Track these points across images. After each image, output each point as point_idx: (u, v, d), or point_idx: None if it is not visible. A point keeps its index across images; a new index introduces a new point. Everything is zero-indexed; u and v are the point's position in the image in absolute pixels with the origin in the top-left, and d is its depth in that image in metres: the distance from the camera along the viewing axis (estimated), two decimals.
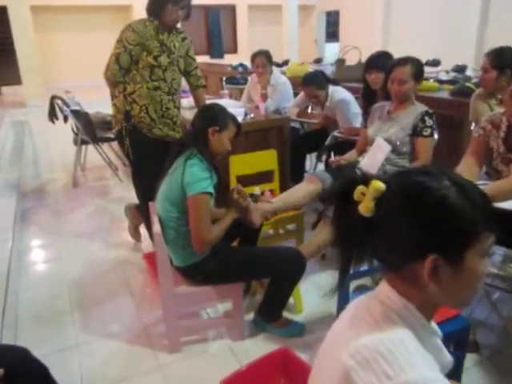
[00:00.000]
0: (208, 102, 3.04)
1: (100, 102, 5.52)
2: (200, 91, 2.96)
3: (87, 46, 12.36)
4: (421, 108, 2.51)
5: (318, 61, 10.40)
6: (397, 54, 2.94)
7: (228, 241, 2.13)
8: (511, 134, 1.96)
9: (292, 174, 3.38)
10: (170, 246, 1.95)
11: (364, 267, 0.94)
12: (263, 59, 3.79)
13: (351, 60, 5.26)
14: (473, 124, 2.95)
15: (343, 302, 1.84)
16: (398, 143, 2.48)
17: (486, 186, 1.83)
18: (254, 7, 14.56)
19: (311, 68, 5.93)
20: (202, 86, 2.94)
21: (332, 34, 15.06)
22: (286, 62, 8.21)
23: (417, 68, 2.46)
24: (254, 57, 3.84)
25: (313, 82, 3.45)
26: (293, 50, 11.37)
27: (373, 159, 2.48)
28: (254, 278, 2.19)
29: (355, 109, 3.45)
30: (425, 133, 2.44)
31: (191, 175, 1.83)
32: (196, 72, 2.87)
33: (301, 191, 2.43)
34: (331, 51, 13.65)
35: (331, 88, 3.47)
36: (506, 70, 2.55)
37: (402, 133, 2.49)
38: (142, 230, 3.14)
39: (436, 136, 2.48)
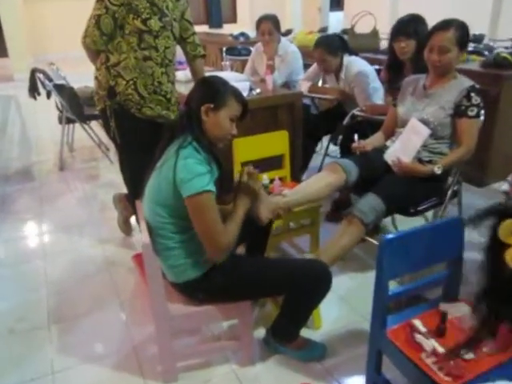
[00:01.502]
0: (207, 74, 2.62)
1: (90, 75, 5.04)
2: (198, 62, 2.51)
3: (77, 15, 11.64)
4: (466, 82, 2.08)
5: (323, 30, 9.80)
6: None
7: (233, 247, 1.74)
8: None
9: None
10: (162, 259, 1.57)
11: None
12: (270, 25, 3.31)
13: (359, 29, 4.75)
14: None
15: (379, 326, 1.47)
16: (436, 125, 2.06)
17: None
18: None
19: None
20: (201, 56, 2.50)
21: (336, 3, 14.36)
22: (288, 32, 7.69)
23: (462, 33, 2.01)
24: (259, 22, 3.36)
25: (323, 44, 2.97)
26: (297, 18, 10.76)
27: (406, 145, 2.07)
28: (269, 295, 1.80)
29: (375, 82, 3.01)
30: (470, 113, 2.02)
31: (185, 170, 1.43)
32: (194, 39, 2.42)
33: (320, 182, 2.02)
34: (336, 20, 13.02)
35: (347, 58, 3.01)
36: None
37: (441, 112, 2.07)
38: (135, 222, 2.76)
39: (482, 117, 2.07)
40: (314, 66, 3.28)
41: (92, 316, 2.11)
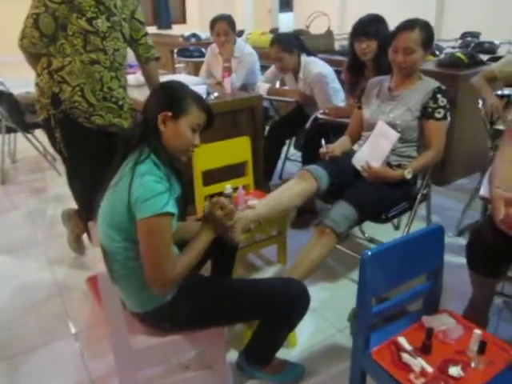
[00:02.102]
0: (161, 77, 2.45)
1: (33, 80, 4.70)
2: (152, 65, 2.33)
3: (17, 14, 11.02)
4: (432, 83, 2.03)
5: (274, 31, 9.80)
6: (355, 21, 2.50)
7: (197, 266, 1.59)
8: None
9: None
10: (120, 287, 1.39)
11: None
12: (226, 26, 3.17)
13: (311, 29, 4.71)
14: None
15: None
16: (404, 128, 2.00)
17: None
18: None
19: None
20: (155, 59, 2.32)
21: (285, 4, 14.41)
22: (241, 33, 7.59)
23: (426, 33, 1.97)
24: (213, 23, 3.21)
25: (278, 41, 2.90)
26: (248, 19, 10.66)
27: (375, 149, 1.99)
28: (242, 321, 1.65)
29: (335, 83, 2.95)
30: (438, 115, 1.98)
31: (142, 189, 1.26)
32: (146, 40, 2.24)
33: (291, 191, 1.91)
34: (286, 21, 13.06)
35: (305, 58, 2.94)
36: None
37: (408, 115, 2.01)
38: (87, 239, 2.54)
39: (449, 118, 2.03)
40: (273, 67, 3.18)
41: (43, 349, 1.90)
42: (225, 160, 2.37)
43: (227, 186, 2.23)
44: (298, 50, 2.93)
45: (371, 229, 2.60)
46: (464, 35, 6.39)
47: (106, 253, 1.35)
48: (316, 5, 9.00)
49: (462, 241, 2.55)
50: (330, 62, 3.27)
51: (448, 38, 6.29)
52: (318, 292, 2.19)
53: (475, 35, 6.25)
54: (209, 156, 2.31)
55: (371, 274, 1.31)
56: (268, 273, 2.38)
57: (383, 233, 2.50)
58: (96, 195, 1.42)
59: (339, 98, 2.94)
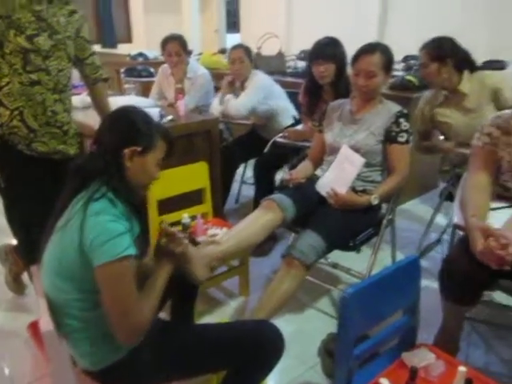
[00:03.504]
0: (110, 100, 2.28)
1: None
2: (100, 86, 2.16)
3: None
4: (393, 107, 2.01)
5: (223, 51, 9.81)
6: (301, 43, 2.51)
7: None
8: None
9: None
10: (71, 343, 1.21)
11: None
12: (178, 46, 3.05)
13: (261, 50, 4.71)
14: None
15: None
16: (367, 152, 1.96)
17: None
18: None
19: (224, 59, 5.30)
20: (103, 79, 2.15)
21: (232, 25, 14.55)
22: (189, 53, 7.52)
23: (387, 57, 1.96)
24: (165, 43, 3.08)
25: (244, 46, 2.99)
26: (195, 39, 10.62)
27: (340, 175, 1.93)
28: (211, 371, 1.49)
29: (279, 100, 3.03)
30: (401, 138, 1.96)
31: (98, 230, 1.10)
32: (93, 60, 2.07)
33: (256, 224, 1.79)
34: (233, 42, 13.16)
35: (255, 71, 2.97)
36: (446, 60, 2.23)
37: (372, 139, 1.98)
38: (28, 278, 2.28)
39: (411, 142, 2.01)
40: (222, 89, 3.10)
41: None
42: (181, 187, 2.23)
43: (184, 215, 2.09)
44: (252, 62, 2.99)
45: (333, 253, 2.53)
46: (406, 58, 6.65)
47: (54, 306, 1.17)
48: (263, 26, 9.10)
49: (424, 263, 2.54)
50: (283, 84, 3.25)
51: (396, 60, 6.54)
52: (282, 326, 2.00)
53: (417, 58, 6.52)
54: (164, 184, 2.13)
55: (352, 313, 1.22)
56: (231, 307, 2.24)
57: (346, 257, 2.43)
58: (38, 232, 1.24)
59: (288, 117, 2.97)
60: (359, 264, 2.30)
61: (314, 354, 1.90)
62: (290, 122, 3.00)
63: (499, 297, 2.26)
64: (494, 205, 1.55)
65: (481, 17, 6.20)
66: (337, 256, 2.50)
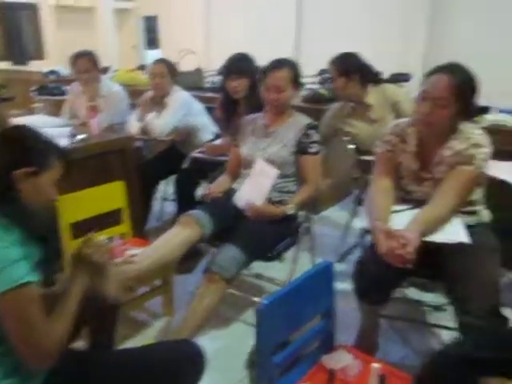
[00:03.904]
0: (15, 119, 2.15)
1: None
2: (1, 106, 2.03)
3: None
4: (303, 119, 2.10)
5: (141, 68, 9.66)
6: (221, 58, 2.60)
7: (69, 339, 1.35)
8: (422, 146, 1.66)
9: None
10: None
11: None
12: (87, 62, 2.96)
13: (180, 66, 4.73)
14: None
15: None
16: (281, 164, 2.02)
17: (412, 221, 1.48)
18: (61, 8, 12.87)
19: (142, 75, 5.22)
20: (5, 99, 2.03)
21: (152, 41, 14.38)
22: (106, 69, 7.31)
23: (295, 72, 2.04)
24: (74, 59, 2.97)
25: (166, 62, 2.99)
26: (112, 56, 10.38)
27: (256, 187, 1.97)
28: None
29: (200, 117, 3.05)
30: (311, 149, 2.04)
31: None
32: None
33: (173, 241, 1.77)
34: (153, 58, 12.99)
35: (176, 87, 2.96)
36: (352, 74, 2.40)
37: (284, 151, 2.04)
38: None
39: (322, 152, 2.10)
40: (141, 106, 3.06)
41: None
42: (96, 208, 2.14)
43: (101, 237, 2.00)
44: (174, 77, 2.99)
45: (257, 264, 2.56)
46: (321, 72, 6.97)
47: None
48: (182, 42, 9.13)
49: (344, 266, 2.64)
50: (201, 99, 3.27)
51: (308, 74, 6.81)
52: (208, 342, 2.02)
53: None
54: (77, 205, 2.07)
55: (269, 324, 1.24)
56: (155, 328, 2.18)
57: (269, 266, 2.47)
58: None
59: (208, 133, 3.01)
60: (283, 273, 2.34)
61: (241, 368, 1.89)
62: (210, 137, 3.01)
63: (412, 293, 2.42)
64: (398, 208, 1.65)
65: (389, 32, 6.64)
66: (260, 266, 2.54)
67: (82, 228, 2.11)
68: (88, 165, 2.32)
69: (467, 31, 5.64)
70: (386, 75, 4.05)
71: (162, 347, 1.40)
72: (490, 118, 2.71)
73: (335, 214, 3.53)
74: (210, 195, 1.97)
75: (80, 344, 1.54)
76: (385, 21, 6.75)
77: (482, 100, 2.90)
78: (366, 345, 1.84)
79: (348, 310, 1.81)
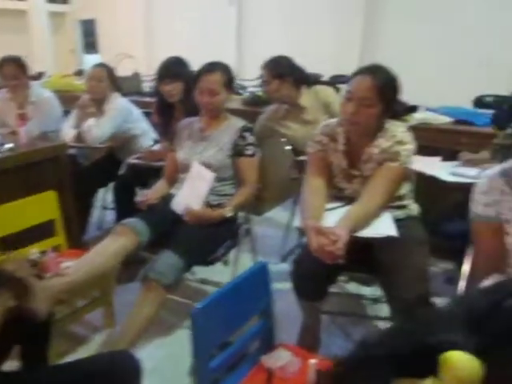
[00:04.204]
0: None
1: None
2: None
3: None
4: (238, 122, 2.11)
5: (79, 73, 9.35)
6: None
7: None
8: (351, 145, 1.71)
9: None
10: None
11: None
12: (14, 68, 2.82)
13: (120, 72, 4.62)
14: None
15: None
16: (218, 167, 2.02)
17: (342, 217, 1.53)
18: None
19: (77, 80, 5.06)
20: None
21: (91, 45, 13.95)
22: (40, 75, 7.00)
23: (227, 75, 2.06)
24: (0, 66, 2.83)
25: (105, 65, 2.93)
26: (47, 61, 9.97)
27: (193, 191, 1.96)
28: None
29: (139, 123, 2.99)
30: (247, 152, 2.06)
31: None
32: None
33: (108, 251, 1.73)
34: (92, 63, 12.60)
35: (114, 94, 2.88)
36: (285, 77, 2.45)
37: (221, 154, 2.05)
38: None
39: (259, 154, 2.12)
40: (76, 111, 2.95)
41: None
42: (26, 221, 2.04)
43: (32, 251, 1.91)
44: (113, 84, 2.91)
45: (202, 269, 2.54)
46: (261, 75, 7.04)
47: None
48: (122, 47, 8.93)
49: (286, 266, 2.68)
50: (140, 104, 3.21)
51: (250, 77, 6.87)
52: (153, 351, 2.01)
53: None
54: (6, 218, 1.97)
55: (204, 328, 1.23)
56: (96, 342, 2.11)
57: (214, 271, 2.46)
58: None
59: (149, 139, 2.94)
60: (228, 276, 2.34)
61: (185, 375, 1.87)
62: (151, 143, 2.96)
63: (352, 288, 2.49)
64: (330, 205, 1.70)
65: (327, 35, 6.79)
66: (205, 271, 2.52)
67: (13, 242, 2.01)
68: (17, 175, 2.21)
69: (400, 32, 5.88)
70: (326, 77, 4.16)
71: (95, 360, 1.36)
72: (418, 117, 2.84)
73: (278, 214, 3.58)
74: (145, 202, 1.94)
75: (12, 364, 1.46)
76: (322, 24, 6.93)
77: (411, 99, 3.08)
78: (309, 341, 1.88)
79: (291, 308, 1.84)
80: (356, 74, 1.61)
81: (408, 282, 1.47)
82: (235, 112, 3.19)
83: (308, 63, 2.72)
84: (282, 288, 2.25)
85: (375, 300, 2.34)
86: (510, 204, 1.35)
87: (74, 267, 1.62)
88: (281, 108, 2.59)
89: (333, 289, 2.48)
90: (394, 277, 1.50)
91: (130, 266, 2.62)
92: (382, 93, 1.56)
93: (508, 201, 1.35)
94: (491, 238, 1.38)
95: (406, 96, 3.21)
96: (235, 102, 3.70)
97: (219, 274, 2.41)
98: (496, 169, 1.40)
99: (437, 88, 4.18)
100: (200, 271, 2.58)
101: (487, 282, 1.30)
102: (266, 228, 3.27)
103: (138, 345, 1.93)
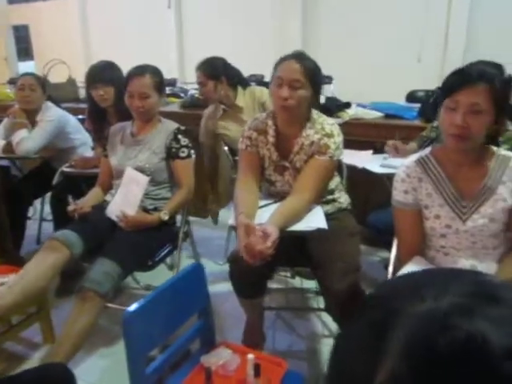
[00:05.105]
0: None
1: None
2: None
3: None
4: (171, 125, 2.10)
5: (13, 81, 8.93)
6: None
7: None
8: (279, 136, 1.75)
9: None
10: None
11: None
12: None
13: (55, 78, 4.46)
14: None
15: None
16: (152, 171, 2.00)
17: (273, 214, 1.55)
18: None
19: (9, 89, 4.84)
20: None
21: (25, 52, 13.37)
22: None
23: (157, 77, 2.04)
24: None
25: (35, 75, 2.82)
26: None
27: (128, 197, 1.92)
28: None
29: (79, 134, 2.86)
30: (182, 154, 2.05)
31: None
32: None
33: (39, 268, 1.66)
34: (27, 70, 12.07)
35: (47, 102, 2.78)
36: (221, 77, 2.49)
37: (154, 157, 2.03)
38: None
39: (194, 156, 2.12)
40: (6, 121, 2.83)
41: None
42: None
43: None
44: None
45: (146, 275, 2.51)
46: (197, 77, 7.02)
47: None
48: (57, 53, 8.59)
49: None
50: (76, 111, 3.12)
51: (191, 81, 6.83)
52: (95, 362, 1.96)
53: None
54: None
55: (138, 331, 1.22)
56: (35, 358, 2.02)
57: (158, 276, 2.43)
58: None
59: (86, 148, 2.85)
60: None
61: None
62: (89, 152, 2.88)
63: (297, 282, 2.55)
64: (263, 202, 1.72)
65: (267, 37, 6.87)
66: (149, 277, 2.49)
67: None
68: None
69: (337, 33, 6.05)
70: (268, 79, 4.19)
71: (28, 375, 1.31)
72: (351, 113, 2.94)
73: (223, 215, 3.59)
74: (76, 212, 1.89)
75: None
76: (262, 27, 7.02)
77: (349, 97, 3.19)
78: (253, 338, 1.90)
79: (238, 308, 1.85)
80: (282, 60, 1.65)
81: (337, 273, 1.50)
82: (174, 115, 3.20)
83: (251, 65, 2.76)
84: (229, 289, 2.26)
85: (317, 292, 2.40)
86: (428, 190, 1.43)
87: (2, 290, 1.54)
88: (218, 109, 2.60)
89: (277, 285, 2.55)
90: (324, 269, 1.55)
91: (71, 278, 2.55)
92: (310, 75, 1.61)
93: (425, 187, 1.43)
94: (411, 223, 1.46)
95: (345, 95, 3.34)
96: (174, 106, 3.68)
97: (164, 279, 2.39)
98: (413, 157, 1.48)
99: (375, 85, 4.35)
100: (144, 278, 2.54)
101: (409, 265, 1.38)
102: (212, 230, 3.27)
103: (78, 357, 1.89)
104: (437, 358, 0.33)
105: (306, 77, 1.60)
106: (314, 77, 1.63)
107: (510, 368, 0.31)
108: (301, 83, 1.59)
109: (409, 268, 1.35)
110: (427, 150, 1.48)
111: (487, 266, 1.39)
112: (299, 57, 1.63)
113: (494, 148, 1.40)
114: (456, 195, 1.39)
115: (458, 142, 1.30)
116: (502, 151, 1.40)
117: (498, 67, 1.30)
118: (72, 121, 2.90)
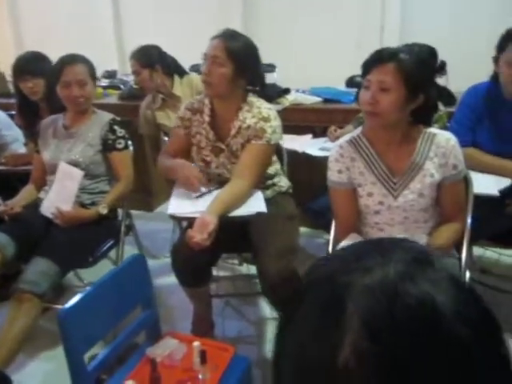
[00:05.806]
0: None
1: None
2: None
3: None
4: (106, 116, 2.04)
5: None
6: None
7: None
8: (216, 117, 1.75)
9: None
10: None
11: None
12: None
13: None
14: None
15: None
16: (88, 164, 1.94)
17: (213, 202, 1.55)
18: None
19: None
20: None
21: None
22: None
23: (90, 65, 1.98)
24: None
25: None
26: None
27: (62, 193, 1.85)
28: None
29: (11, 131, 2.69)
30: (119, 145, 2.00)
31: None
32: None
33: None
34: None
35: None
36: (156, 66, 2.45)
37: (89, 150, 1.96)
38: None
39: (131, 147, 2.07)
40: None
41: None
42: None
43: None
44: None
45: (90, 272, 2.43)
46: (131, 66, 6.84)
47: None
48: None
49: None
50: (7, 106, 2.94)
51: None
52: (38, 366, 1.89)
53: None
54: None
55: (75, 329, 1.18)
56: None
57: (103, 272, 2.35)
58: None
59: (20, 146, 2.69)
60: None
61: None
62: (22, 148, 2.73)
63: (244, 269, 2.56)
64: (202, 190, 1.70)
65: (209, 27, 6.78)
66: (93, 273, 2.41)
67: None
68: None
69: (279, 20, 6.07)
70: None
71: None
72: (290, 99, 2.97)
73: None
74: (7, 212, 1.79)
75: None
76: (204, 17, 6.92)
77: (291, 84, 3.22)
78: (202, 327, 1.90)
79: (184, 298, 1.84)
80: (211, 38, 1.66)
81: (272, 255, 1.52)
82: (111, 107, 3.09)
83: (194, 54, 2.70)
84: (175, 281, 2.23)
85: None
86: (360, 169, 1.48)
87: None
88: (157, 98, 2.55)
89: (224, 272, 2.56)
90: (260, 250, 1.56)
91: (5, 283, 2.42)
92: (232, 53, 1.61)
93: (358, 166, 1.48)
94: (346, 202, 1.50)
95: (288, 82, 3.37)
96: (112, 98, 3.56)
97: None
98: (346, 137, 1.52)
99: (316, 71, 4.41)
100: (88, 275, 2.46)
101: (345, 241, 1.42)
102: (156, 223, 3.22)
103: (20, 361, 1.81)
104: (394, 326, 0.34)
105: (227, 54, 1.60)
106: (238, 55, 1.63)
107: (462, 329, 0.34)
108: (221, 60, 1.60)
109: (345, 244, 1.39)
110: (359, 129, 1.52)
111: (418, 239, 1.46)
112: (226, 35, 1.64)
113: (423, 127, 1.46)
114: (387, 172, 1.45)
115: (370, 118, 1.36)
116: (430, 129, 1.47)
117: (431, 50, 1.36)
118: (1, 116, 2.74)
